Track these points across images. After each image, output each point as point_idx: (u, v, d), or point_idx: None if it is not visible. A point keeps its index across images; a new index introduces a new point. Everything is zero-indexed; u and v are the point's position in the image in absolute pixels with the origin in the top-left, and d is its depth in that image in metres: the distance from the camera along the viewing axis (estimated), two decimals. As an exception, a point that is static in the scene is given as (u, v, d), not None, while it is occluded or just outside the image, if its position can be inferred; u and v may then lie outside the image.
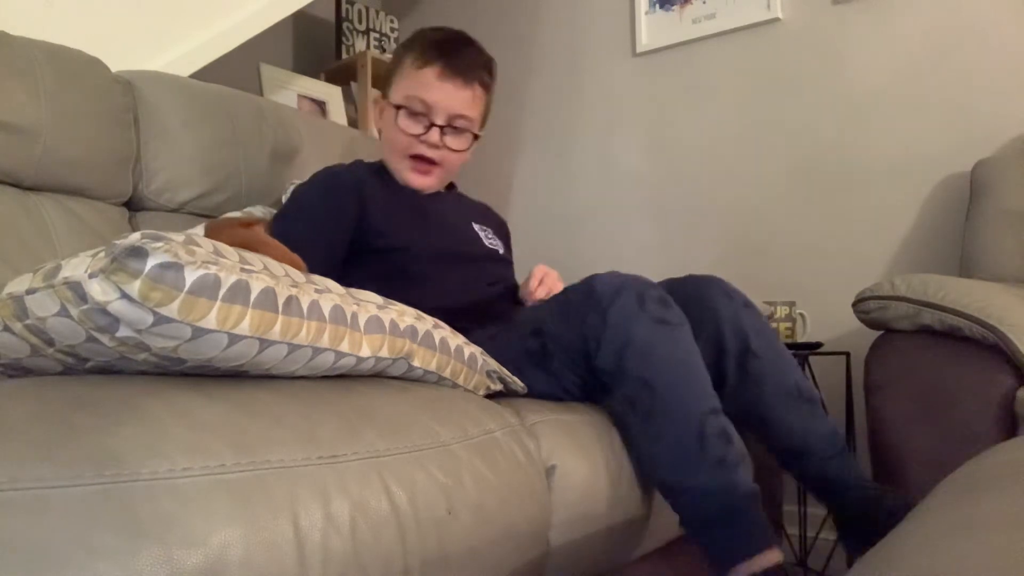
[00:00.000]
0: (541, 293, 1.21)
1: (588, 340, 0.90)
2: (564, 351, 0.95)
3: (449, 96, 1.20)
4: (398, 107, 1.21)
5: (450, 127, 1.21)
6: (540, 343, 0.97)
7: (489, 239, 1.31)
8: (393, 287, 1.13)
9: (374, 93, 2.40)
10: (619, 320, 0.88)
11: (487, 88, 1.26)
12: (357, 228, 1.16)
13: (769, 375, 1.02)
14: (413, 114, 1.20)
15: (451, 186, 1.38)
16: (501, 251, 1.32)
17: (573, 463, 0.83)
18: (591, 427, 0.90)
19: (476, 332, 1.05)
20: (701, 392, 0.87)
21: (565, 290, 1.00)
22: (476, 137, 1.26)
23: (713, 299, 1.05)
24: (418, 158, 1.22)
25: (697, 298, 1.04)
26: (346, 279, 1.16)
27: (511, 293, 1.28)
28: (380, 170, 1.27)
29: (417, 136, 1.20)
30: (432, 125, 1.20)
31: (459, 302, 1.13)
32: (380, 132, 1.31)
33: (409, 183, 1.24)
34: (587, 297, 0.92)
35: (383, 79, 1.31)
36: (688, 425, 0.84)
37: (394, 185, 1.25)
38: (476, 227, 1.31)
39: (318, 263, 1.13)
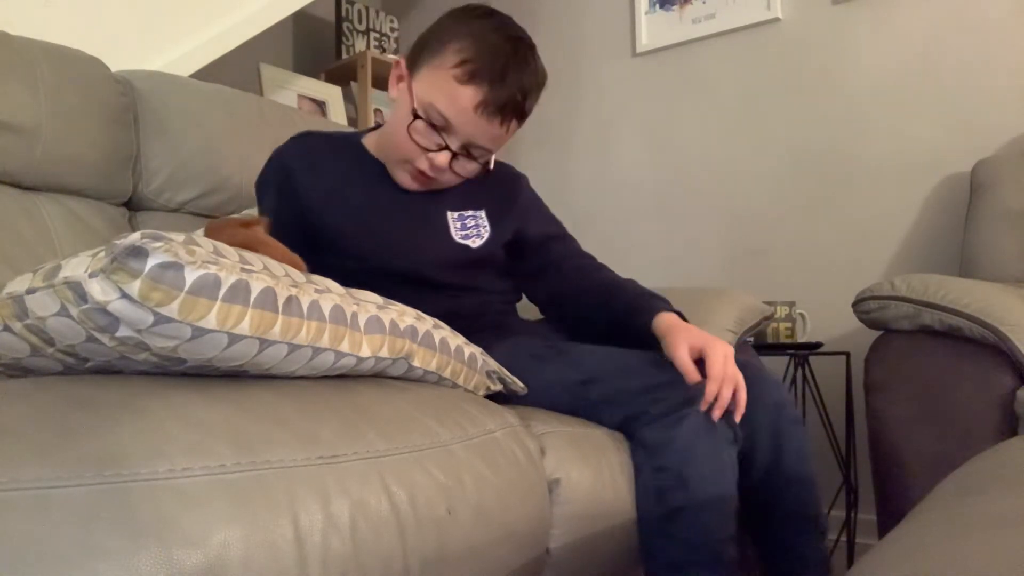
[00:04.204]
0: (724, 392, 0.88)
1: (646, 409, 0.88)
2: (609, 404, 0.92)
3: (479, 131, 1.02)
4: (415, 112, 1.02)
5: (465, 154, 1.05)
6: (582, 394, 0.94)
7: (467, 228, 1.12)
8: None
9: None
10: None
11: (525, 118, 1.07)
12: (302, 222, 1.05)
13: (789, 499, 0.97)
14: (429, 124, 1.02)
15: None
16: (480, 242, 1.11)
17: (578, 477, 0.82)
18: (599, 440, 0.89)
19: (496, 347, 1.00)
20: (729, 514, 0.86)
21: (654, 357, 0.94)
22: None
23: (760, 401, 0.94)
24: (418, 170, 1.06)
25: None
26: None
27: (496, 296, 1.15)
28: (342, 145, 1.13)
29: (424, 149, 1.04)
30: (445, 147, 1.03)
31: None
32: (392, 102, 1.11)
33: (398, 182, 1.10)
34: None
35: (416, 45, 1.09)
36: (709, 546, 0.83)
37: (348, 167, 1.10)
38: (451, 215, 1.12)
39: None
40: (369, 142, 1.15)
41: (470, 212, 1.13)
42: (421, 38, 1.07)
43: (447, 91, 1.00)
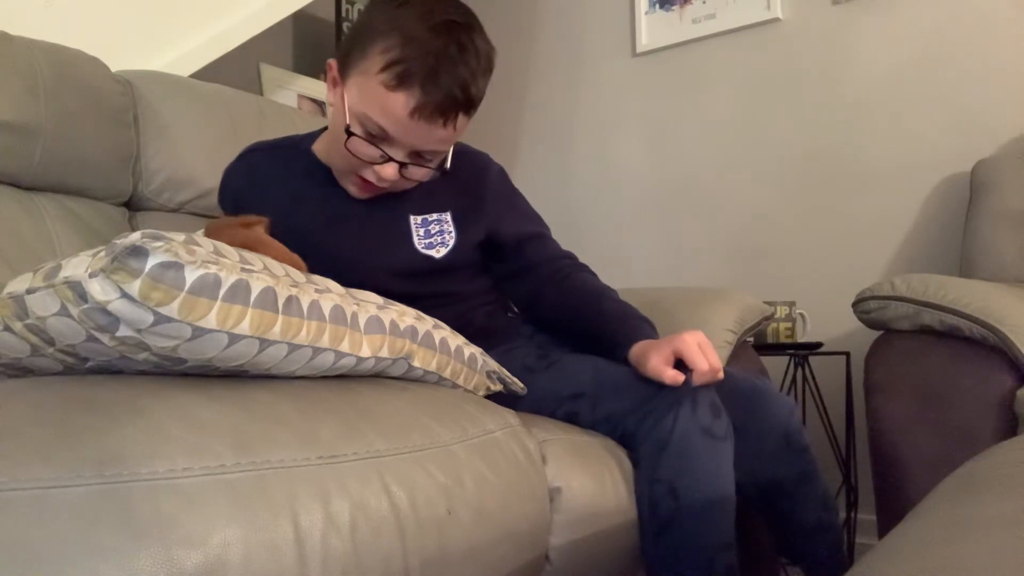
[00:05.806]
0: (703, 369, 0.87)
1: (637, 428, 0.87)
2: (600, 423, 0.91)
3: (421, 137, 0.93)
4: (347, 129, 0.93)
5: (413, 160, 0.97)
6: (574, 409, 0.93)
7: (431, 235, 1.04)
8: None
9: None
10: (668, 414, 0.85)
11: (475, 107, 0.96)
12: None
13: (794, 514, 0.99)
14: (367, 136, 0.93)
15: None
16: (444, 251, 1.04)
17: (579, 486, 0.82)
18: (600, 449, 0.89)
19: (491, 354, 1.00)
20: (722, 521, 0.84)
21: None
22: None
23: (768, 422, 0.97)
24: (365, 180, 0.99)
25: (752, 412, 0.96)
26: None
27: (478, 300, 1.11)
28: (290, 156, 1.07)
29: (369, 163, 0.96)
30: (389, 159, 0.95)
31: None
32: (330, 107, 1.02)
33: (348, 191, 1.03)
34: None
35: (344, 42, 0.98)
36: (699, 556, 0.83)
37: (297, 181, 1.04)
38: (414, 221, 1.04)
39: None
40: (319, 148, 1.08)
41: (434, 216, 1.05)
42: (348, 34, 0.96)
43: (378, 100, 0.90)
